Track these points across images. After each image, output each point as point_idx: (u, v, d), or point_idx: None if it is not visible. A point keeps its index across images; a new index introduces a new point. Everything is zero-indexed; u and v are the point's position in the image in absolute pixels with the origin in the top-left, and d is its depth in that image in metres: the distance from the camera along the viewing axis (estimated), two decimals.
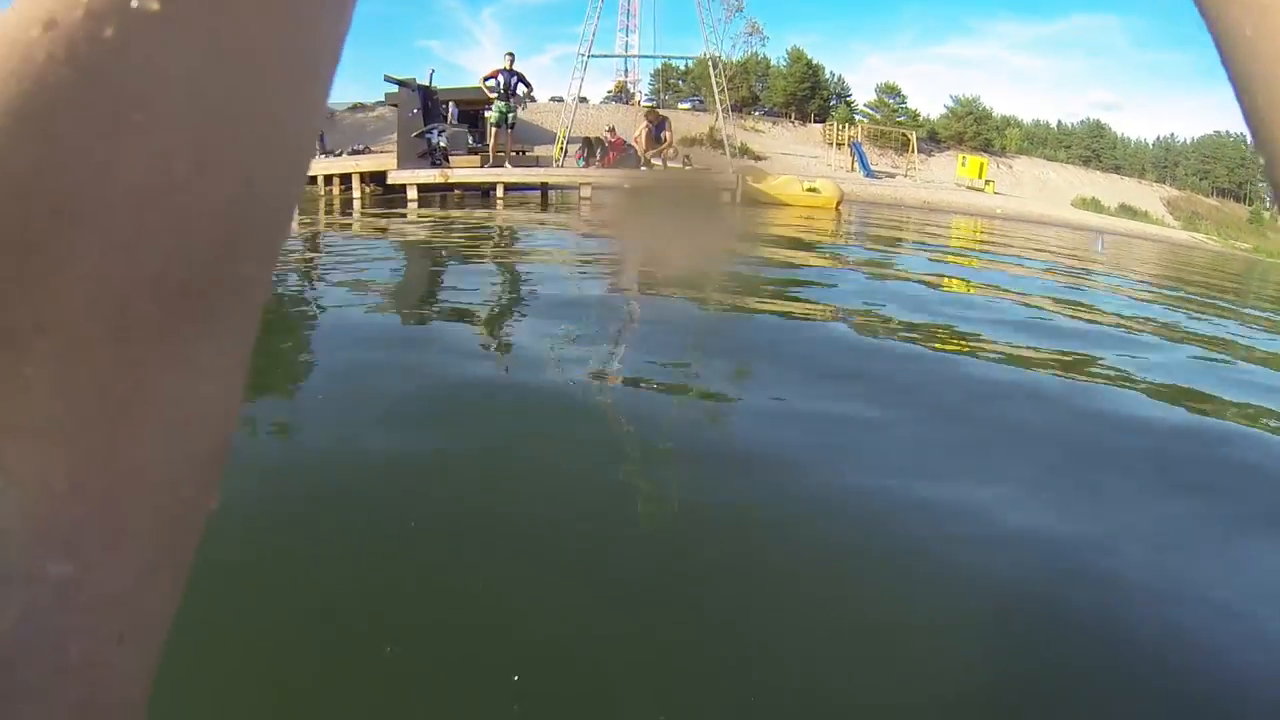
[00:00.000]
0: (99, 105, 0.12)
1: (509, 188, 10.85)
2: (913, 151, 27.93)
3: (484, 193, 10.91)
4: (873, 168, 24.66)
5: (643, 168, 10.76)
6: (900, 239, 9.86)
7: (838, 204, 11.91)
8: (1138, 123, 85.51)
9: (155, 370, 0.14)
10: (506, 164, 11.14)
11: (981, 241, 10.70)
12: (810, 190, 11.74)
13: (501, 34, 78.55)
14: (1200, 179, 38.22)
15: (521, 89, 10.72)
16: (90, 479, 0.13)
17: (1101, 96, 72.94)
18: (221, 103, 0.13)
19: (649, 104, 11.40)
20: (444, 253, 5.96)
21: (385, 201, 10.27)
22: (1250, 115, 0.17)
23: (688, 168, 12.12)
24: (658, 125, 10.87)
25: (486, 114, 11.44)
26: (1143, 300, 6.39)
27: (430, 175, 10.41)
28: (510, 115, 10.76)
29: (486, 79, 10.65)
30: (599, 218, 9.27)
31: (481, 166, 11.36)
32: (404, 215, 8.86)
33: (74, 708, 0.14)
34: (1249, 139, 0.18)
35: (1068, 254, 10.38)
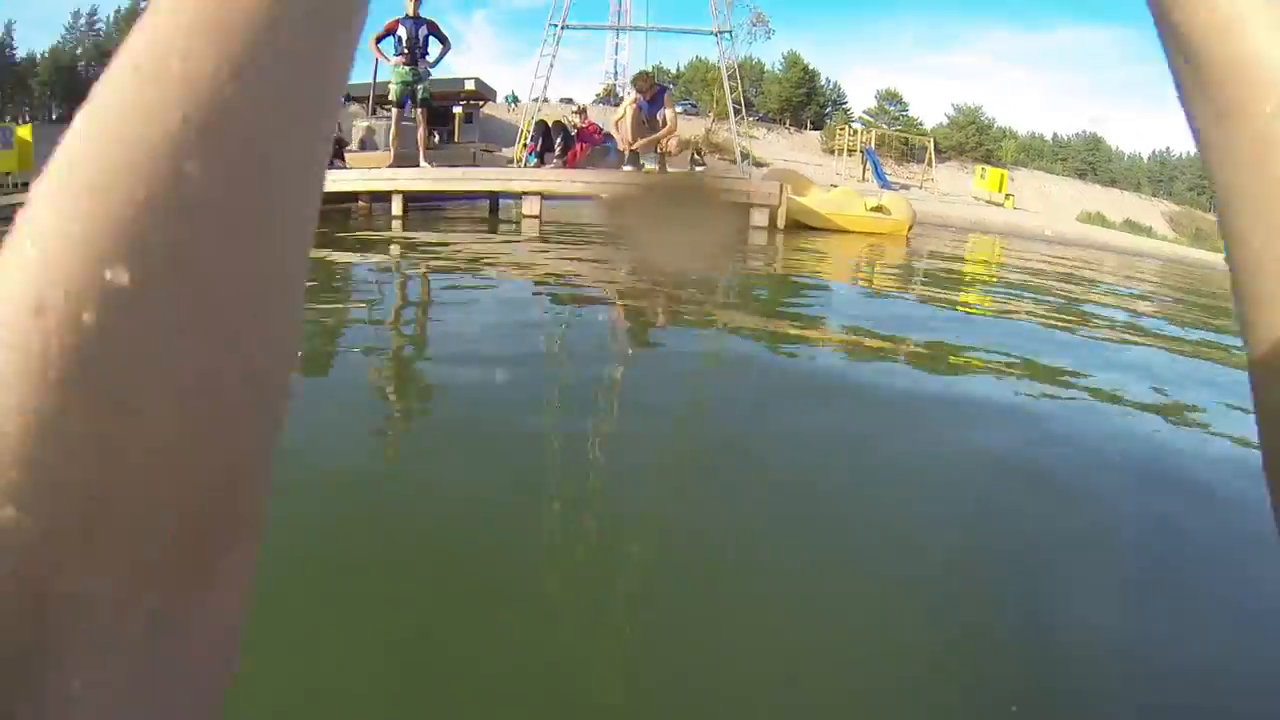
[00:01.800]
0: (99, 398, 0.12)
1: (412, 198, 7.01)
2: (929, 162, 24.76)
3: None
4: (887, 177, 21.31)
5: (627, 167, 6.85)
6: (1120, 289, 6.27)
7: (909, 229, 8.24)
8: (1122, 136, 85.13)
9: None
10: (422, 162, 7.31)
11: (1183, 291, 7.22)
12: (876, 210, 7.98)
13: (494, 37, 75.26)
14: (1197, 194, 37.16)
15: (435, 47, 6.83)
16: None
17: (1087, 109, 71.79)
18: (206, 385, 0.13)
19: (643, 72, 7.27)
20: None
21: None
22: (1180, 91, 0.19)
23: (699, 169, 8.34)
24: (653, 99, 6.77)
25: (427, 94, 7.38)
26: None
27: None
28: (421, 87, 6.91)
29: (380, 39, 6.72)
30: (547, 251, 5.47)
31: (389, 166, 7.55)
32: None
33: None
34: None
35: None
